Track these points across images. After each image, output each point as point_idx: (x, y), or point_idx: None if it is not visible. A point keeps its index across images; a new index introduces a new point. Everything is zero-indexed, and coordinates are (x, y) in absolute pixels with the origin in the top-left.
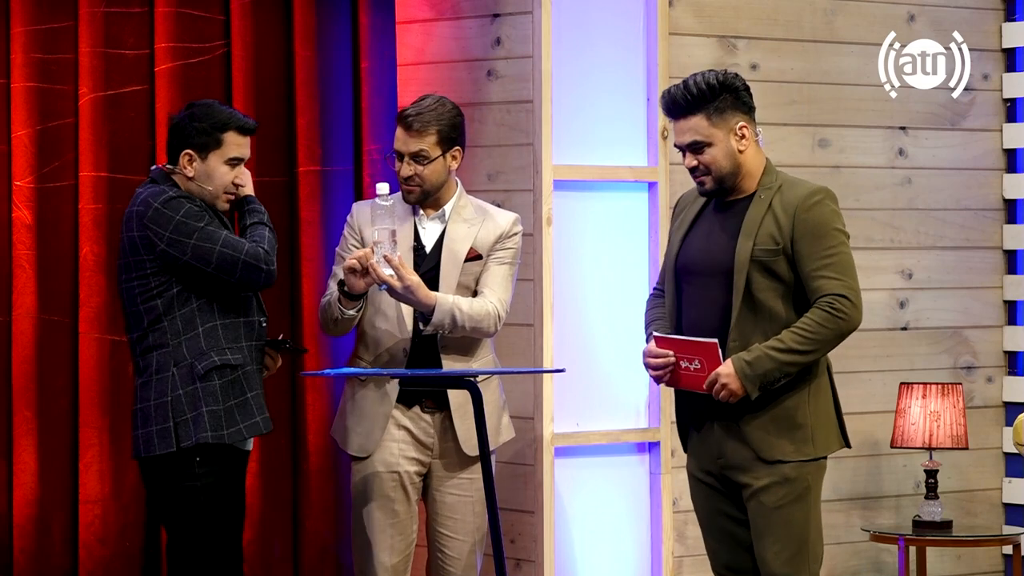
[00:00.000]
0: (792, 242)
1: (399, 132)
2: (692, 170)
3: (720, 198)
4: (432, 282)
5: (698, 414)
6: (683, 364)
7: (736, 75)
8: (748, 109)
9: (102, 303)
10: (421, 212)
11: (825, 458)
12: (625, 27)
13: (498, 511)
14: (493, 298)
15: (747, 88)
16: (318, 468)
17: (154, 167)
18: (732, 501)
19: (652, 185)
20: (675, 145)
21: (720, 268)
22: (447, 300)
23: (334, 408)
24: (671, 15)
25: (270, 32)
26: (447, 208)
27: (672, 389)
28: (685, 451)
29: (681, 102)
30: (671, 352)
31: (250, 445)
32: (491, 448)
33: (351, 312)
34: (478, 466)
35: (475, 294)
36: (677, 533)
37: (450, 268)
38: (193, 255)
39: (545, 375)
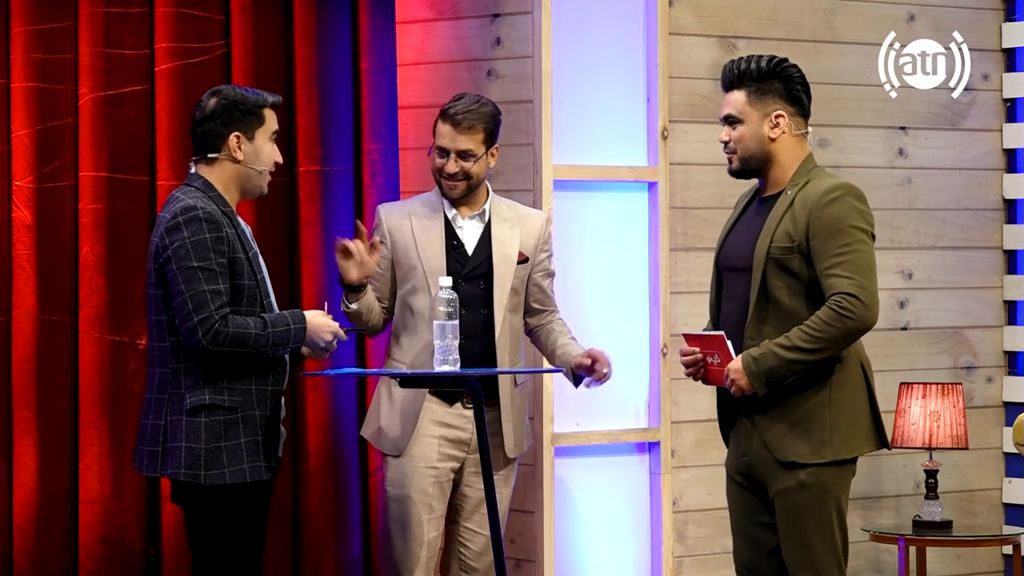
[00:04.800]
0: (807, 239)
1: (445, 129)
2: (724, 145)
3: (758, 192)
4: (485, 284)
5: (730, 410)
6: (709, 360)
7: (795, 67)
8: (795, 102)
9: (102, 303)
10: (454, 211)
11: (850, 461)
12: (625, 27)
13: (498, 511)
14: (559, 314)
15: (804, 84)
16: (318, 468)
17: (192, 167)
18: (760, 500)
19: (652, 185)
20: (720, 117)
21: (745, 264)
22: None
23: (334, 408)
24: (671, 15)
25: (270, 32)
26: (487, 208)
27: (667, 390)
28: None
29: (728, 75)
30: (697, 348)
31: (266, 474)
32: (519, 453)
33: (353, 306)
34: (512, 465)
35: (525, 302)
36: (677, 533)
37: (503, 270)
38: (171, 281)
39: (545, 375)
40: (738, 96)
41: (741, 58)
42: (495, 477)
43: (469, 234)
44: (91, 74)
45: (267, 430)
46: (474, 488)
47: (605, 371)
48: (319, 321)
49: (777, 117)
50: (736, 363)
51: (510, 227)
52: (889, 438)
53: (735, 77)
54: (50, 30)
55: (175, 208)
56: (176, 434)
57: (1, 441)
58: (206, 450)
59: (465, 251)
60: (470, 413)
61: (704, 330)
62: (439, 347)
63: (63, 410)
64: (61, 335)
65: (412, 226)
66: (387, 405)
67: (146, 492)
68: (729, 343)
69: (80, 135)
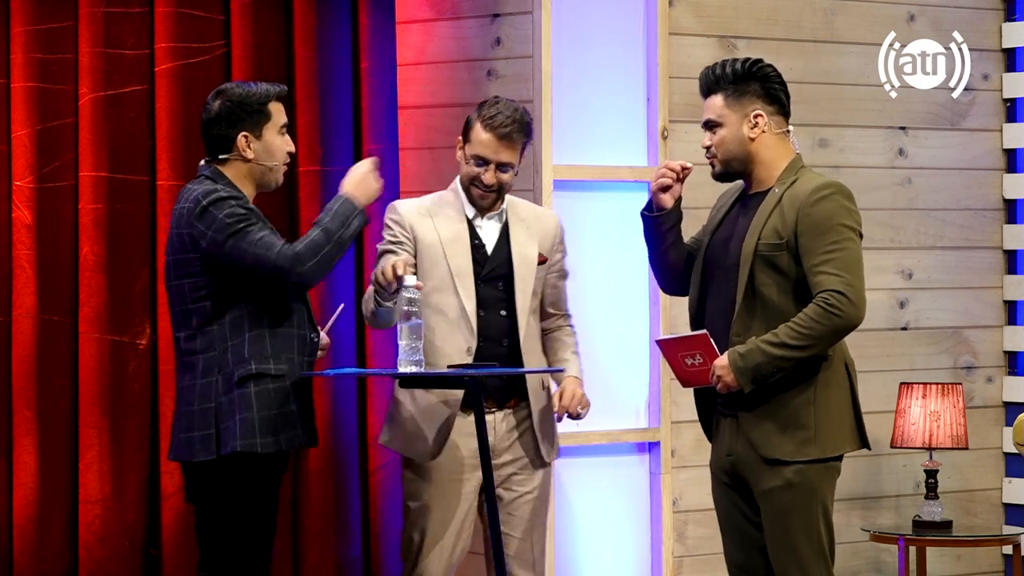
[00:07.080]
0: (796, 236)
1: (488, 139)
2: (706, 150)
3: (744, 191)
4: (505, 285)
5: (710, 410)
6: (687, 361)
7: (771, 66)
8: (774, 101)
9: (102, 303)
10: (475, 211)
11: (835, 460)
12: (625, 27)
13: (498, 511)
14: (571, 319)
15: (781, 82)
16: (318, 468)
17: (203, 164)
18: (746, 499)
19: None
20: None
21: (732, 261)
22: (577, 366)
23: (334, 408)
24: (671, 15)
25: (270, 32)
26: (504, 208)
27: (667, 390)
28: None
29: (704, 80)
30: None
31: (316, 441)
32: (554, 456)
33: (388, 304)
34: (549, 469)
35: (541, 301)
36: (677, 533)
37: (524, 273)
38: (230, 254)
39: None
40: (716, 100)
41: (716, 63)
42: (521, 476)
43: (488, 234)
44: (91, 74)
45: (311, 400)
46: (501, 490)
47: (576, 414)
48: (355, 176)
49: (756, 117)
50: (722, 359)
51: (527, 227)
52: (890, 438)
53: (712, 82)
54: (50, 30)
55: (195, 195)
56: (231, 410)
57: (1, 441)
58: (260, 418)
59: (486, 251)
60: (491, 418)
61: (669, 337)
62: (404, 348)
63: (63, 410)
64: (61, 335)
65: (435, 225)
66: (412, 412)
67: (146, 492)
68: (712, 341)
69: (80, 135)
